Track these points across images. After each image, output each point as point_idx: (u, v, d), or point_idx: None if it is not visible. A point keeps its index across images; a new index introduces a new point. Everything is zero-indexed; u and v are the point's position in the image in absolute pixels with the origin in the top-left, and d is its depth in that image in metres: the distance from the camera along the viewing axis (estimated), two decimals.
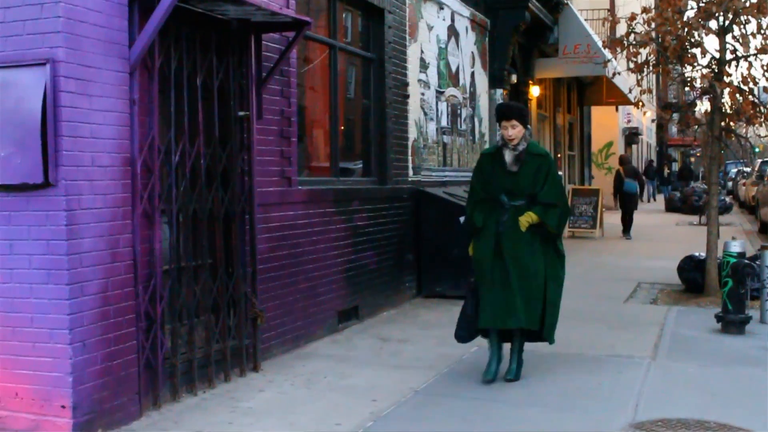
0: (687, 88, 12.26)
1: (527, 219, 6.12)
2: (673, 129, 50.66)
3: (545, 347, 6.60)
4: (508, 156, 6.19)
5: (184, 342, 5.86)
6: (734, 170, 39.15)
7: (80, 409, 4.85)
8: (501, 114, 6.30)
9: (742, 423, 5.24)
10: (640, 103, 12.60)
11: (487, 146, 13.56)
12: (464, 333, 6.35)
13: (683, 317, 8.93)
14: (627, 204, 19.04)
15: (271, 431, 5.17)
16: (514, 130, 6.17)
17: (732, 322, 8.02)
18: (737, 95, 10.18)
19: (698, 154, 46.52)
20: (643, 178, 23.78)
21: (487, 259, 6.17)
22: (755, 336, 7.90)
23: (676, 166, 60.37)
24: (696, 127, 11.90)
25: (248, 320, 6.48)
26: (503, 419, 5.38)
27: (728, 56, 10.44)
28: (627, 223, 18.79)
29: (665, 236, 19.00)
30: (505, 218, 6.14)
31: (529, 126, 6.42)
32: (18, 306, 4.90)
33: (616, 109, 29.75)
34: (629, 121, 33.27)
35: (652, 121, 40.46)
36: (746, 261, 8.28)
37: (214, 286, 6.18)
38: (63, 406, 4.81)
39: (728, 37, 10.32)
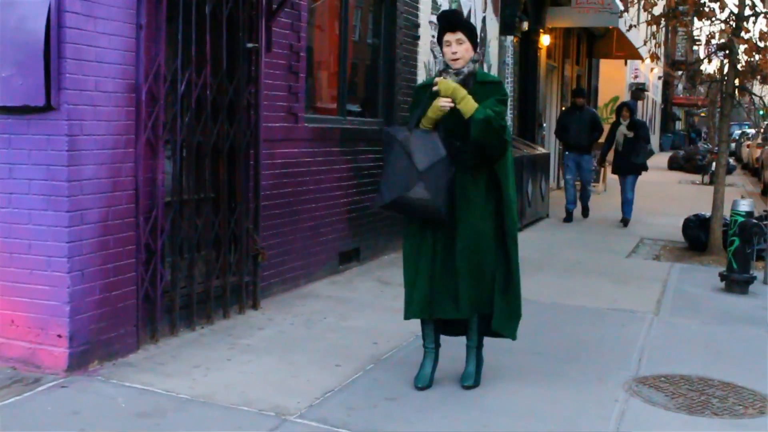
0: (695, 47, 12.07)
1: (455, 93, 4.49)
2: (680, 87, 50.29)
3: (546, 297, 6.49)
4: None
5: (183, 276, 5.76)
6: (737, 132, 38.96)
7: (76, 339, 4.76)
8: (445, 23, 4.65)
9: (747, 383, 5.17)
10: (654, 57, 12.35)
11: None
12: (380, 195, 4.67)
13: (686, 274, 8.87)
14: None
15: (270, 369, 5.09)
16: (460, 47, 4.58)
17: (736, 281, 7.96)
18: (754, 52, 9.99)
19: (702, 114, 46.20)
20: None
21: (416, 221, 4.70)
22: (758, 296, 7.85)
23: (679, 125, 60.09)
24: (708, 84, 11.71)
25: (249, 257, 6.37)
26: (503, 366, 5.30)
27: (747, 12, 10.22)
28: None
29: (668, 194, 18.91)
30: None
31: (478, 51, 4.77)
32: (16, 231, 4.77)
33: (625, 63, 29.41)
34: (636, 77, 32.91)
35: (659, 78, 40.14)
36: (754, 221, 8.18)
37: (216, 220, 6.06)
38: (59, 336, 4.72)
39: None
